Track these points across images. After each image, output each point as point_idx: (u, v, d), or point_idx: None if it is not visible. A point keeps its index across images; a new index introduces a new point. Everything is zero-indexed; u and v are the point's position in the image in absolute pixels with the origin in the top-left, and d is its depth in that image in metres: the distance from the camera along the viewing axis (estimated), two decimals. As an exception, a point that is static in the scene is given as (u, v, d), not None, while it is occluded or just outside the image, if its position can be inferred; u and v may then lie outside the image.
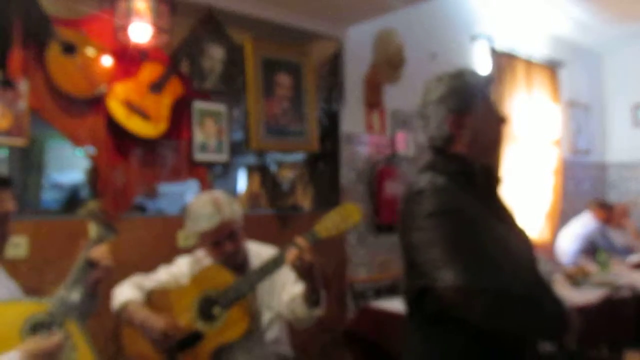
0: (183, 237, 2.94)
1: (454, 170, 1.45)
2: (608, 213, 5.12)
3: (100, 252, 1.72)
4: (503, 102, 4.95)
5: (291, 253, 1.89)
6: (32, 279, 2.43)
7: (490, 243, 1.38)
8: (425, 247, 1.36)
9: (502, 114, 1.55)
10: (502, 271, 1.35)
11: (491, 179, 1.54)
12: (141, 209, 3.37)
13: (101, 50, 2.66)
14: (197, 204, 2.07)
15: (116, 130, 2.71)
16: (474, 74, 1.56)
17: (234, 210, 2.08)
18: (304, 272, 1.91)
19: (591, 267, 3.71)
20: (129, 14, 2.61)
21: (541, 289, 1.47)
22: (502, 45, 5.12)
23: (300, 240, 1.91)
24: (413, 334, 1.53)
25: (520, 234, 1.54)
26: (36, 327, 1.56)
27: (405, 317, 1.58)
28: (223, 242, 2.04)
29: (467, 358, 1.41)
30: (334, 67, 3.75)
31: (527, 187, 5.14)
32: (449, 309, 1.35)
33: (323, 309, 2.05)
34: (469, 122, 1.48)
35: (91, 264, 1.69)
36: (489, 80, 1.57)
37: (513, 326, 1.36)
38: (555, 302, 1.44)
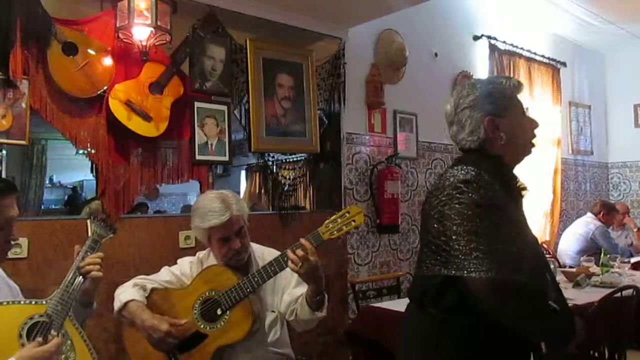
0: (184, 237, 2.93)
1: (493, 170, 1.48)
2: (610, 213, 5.11)
3: (90, 263, 1.70)
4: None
5: (296, 254, 1.90)
6: (33, 279, 2.44)
7: (523, 244, 1.41)
8: (467, 235, 1.36)
9: (533, 119, 1.62)
10: (530, 272, 1.38)
11: (518, 185, 1.59)
12: (144, 205, 3.36)
13: (102, 50, 2.65)
14: (205, 200, 2.06)
15: (117, 131, 2.71)
16: (507, 79, 1.61)
17: (242, 207, 2.09)
18: (308, 273, 1.92)
19: (593, 267, 3.70)
20: (130, 14, 2.60)
21: (558, 295, 1.51)
22: (504, 45, 5.11)
23: (305, 242, 1.92)
24: (420, 327, 1.54)
25: (535, 240, 1.59)
26: (34, 329, 1.55)
27: (409, 311, 1.59)
28: (232, 238, 2.04)
29: (482, 348, 1.43)
30: (335, 68, 3.75)
31: (529, 187, 5.13)
32: (477, 301, 1.37)
33: (325, 312, 2.05)
34: (504, 125, 1.53)
35: (82, 275, 1.68)
36: (521, 86, 1.62)
37: (533, 326, 1.41)
38: (568, 307, 1.51)
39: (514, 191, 1.57)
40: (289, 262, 1.92)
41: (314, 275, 1.93)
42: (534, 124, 1.61)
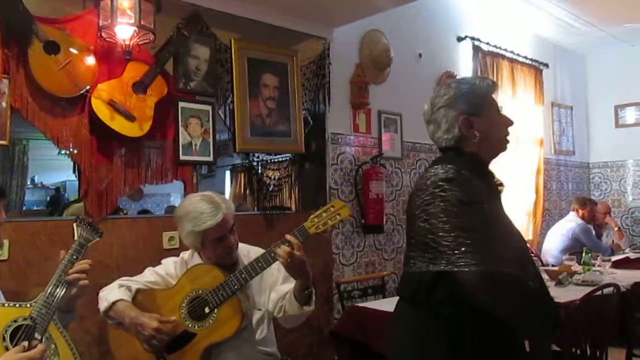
0: (168, 238, 2.91)
1: (469, 167, 1.51)
2: (591, 211, 5.18)
3: (77, 272, 1.69)
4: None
5: (282, 250, 1.91)
6: (14, 281, 2.40)
7: (507, 238, 1.46)
8: (454, 232, 1.39)
9: (507, 117, 1.66)
10: (515, 265, 1.42)
11: (495, 182, 1.63)
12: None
13: (85, 50, 2.62)
14: (192, 204, 2.04)
15: (100, 131, 2.68)
16: (482, 78, 1.67)
17: (229, 205, 2.11)
18: (295, 268, 1.94)
19: (575, 266, 3.74)
20: (113, 13, 2.57)
21: (543, 286, 1.54)
22: (487, 46, 5.16)
23: (290, 238, 1.95)
24: (412, 323, 1.56)
25: (518, 235, 1.63)
26: (18, 332, 1.54)
27: (400, 309, 1.61)
28: (227, 237, 2.05)
29: (476, 340, 1.45)
30: (320, 68, 3.75)
31: (512, 186, 5.18)
32: (468, 294, 1.40)
33: (313, 305, 2.06)
34: (478, 123, 1.57)
35: (68, 282, 1.67)
36: (495, 85, 1.67)
37: (523, 317, 1.43)
38: (551, 298, 1.53)
39: (492, 187, 1.61)
40: (277, 257, 1.94)
41: (301, 269, 1.96)
42: (508, 122, 1.65)
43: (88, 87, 2.62)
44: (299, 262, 1.93)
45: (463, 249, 1.36)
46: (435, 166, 1.50)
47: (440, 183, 1.44)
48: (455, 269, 1.37)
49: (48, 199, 5.94)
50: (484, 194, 1.46)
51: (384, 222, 4.10)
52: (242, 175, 4.34)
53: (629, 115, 6.56)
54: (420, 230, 1.46)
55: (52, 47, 2.52)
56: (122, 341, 2.04)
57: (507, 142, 1.64)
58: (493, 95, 1.65)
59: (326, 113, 3.79)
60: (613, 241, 5.52)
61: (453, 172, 1.45)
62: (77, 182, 2.81)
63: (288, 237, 1.96)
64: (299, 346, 3.40)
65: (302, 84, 3.65)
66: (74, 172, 2.78)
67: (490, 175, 1.63)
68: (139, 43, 2.70)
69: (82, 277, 1.69)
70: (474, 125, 1.57)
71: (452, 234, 1.38)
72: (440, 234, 1.40)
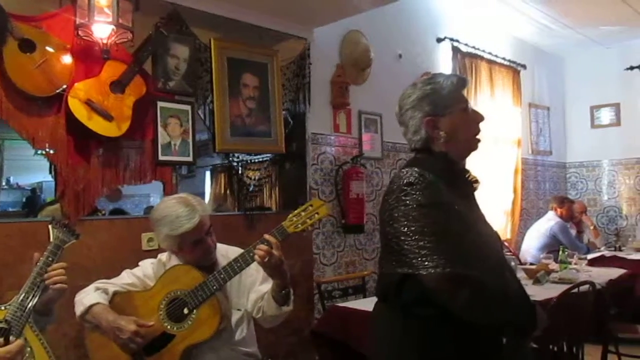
0: (147, 239, 2.88)
1: (439, 168, 1.52)
2: (569, 209, 5.27)
3: (54, 275, 1.66)
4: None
5: (260, 249, 1.91)
6: (-11, 284, 2.36)
7: (474, 238, 1.46)
8: (414, 235, 1.41)
9: (477, 113, 1.63)
10: (483, 265, 1.43)
11: (468, 179, 1.63)
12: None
13: (61, 48, 2.58)
14: (168, 208, 2.03)
15: (77, 131, 2.64)
16: (447, 77, 1.62)
17: (205, 206, 2.10)
18: (273, 268, 1.94)
19: (552, 264, 3.80)
20: (90, 11, 2.54)
21: (515, 285, 1.55)
22: (466, 47, 5.21)
23: (269, 237, 1.95)
24: (387, 324, 1.58)
25: (492, 234, 1.63)
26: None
27: (376, 309, 1.62)
28: (204, 239, 2.04)
29: (447, 340, 1.46)
30: (300, 68, 3.75)
31: (490, 186, 5.24)
32: (433, 296, 1.42)
33: (292, 305, 2.07)
34: (443, 124, 1.56)
35: (45, 286, 1.64)
36: (462, 82, 1.63)
37: (490, 318, 1.44)
38: (527, 298, 1.53)
39: (464, 186, 1.61)
40: (255, 257, 1.93)
41: (279, 269, 1.96)
42: (477, 119, 1.62)
43: (65, 86, 2.58)
44: (277, 262, 1.93)
45: (423, 252, 1.39)
46: (403, 170, 1.52)
47: (403, 187, 1.46)
48: (417, 272, 1.40)
49: (24, 200, 5.84)
50: (448, 196, 1.47)
51: (365, 222, 4.11)
52: (223, 175, 4.31)
53: (604, 116, 6.68)
54: (387, 234, 1.49)
55: (27, 46, 2.47)
56: (100, 344, 2.01)
57: (478, 140, 1.62)
58: (461, 92, 1.62)
59: (306, 113, 3.79)
60: (589, 240, 5.61)
61: (415, 176, 1.46)
62: (53, 183, 2.77)
63: (267, 236, 1.96)
64: (279, 346, 3.39)
65: (283, 84, 3.64)
66: (51, 172, 2.74)
67: (463, 173, 1.63)
68: (117, 42, 2.66)
69: (59, 279, 1.66)
70: (439, 126, 1.56)
71: (413, 238, 1.41)
72: (402, 237, 1.43)
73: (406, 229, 1.42)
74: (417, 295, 1.45)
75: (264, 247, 1.92)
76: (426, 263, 1.38)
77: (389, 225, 1.48)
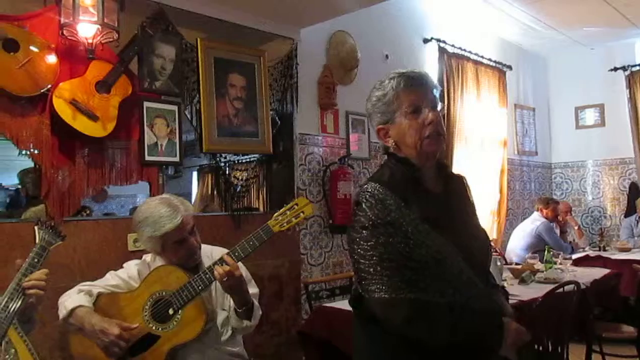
0: (133, 240, 2.86)
1: (400, 175, 1.49)
2: (554, 210, 5.32)
3: (34, 280, 1.64)
4: (453, 104, 5.07)
5: (219, 270, 1.93)
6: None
7: (424, 254, 1.39)
8: (358, 257, 1.43)
9: (423, 115, 1.48)
10: (433, 284, 1.39)
11: (440, 179, 1.57)
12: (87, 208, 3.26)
13: (45, 48, 2.55)
14: (150, 209, 2.02)
15: (62, 131, 2.61)
16: (390, 79, 1.54)
17: (188, 206, 2.10)
18: (232, 288, 1.97)
19: (537, 264, 3.83)
20: (75, 10, 2.51)
21: (484, 300, 1.46)
22: (452, 48, 5.24)
23: (227, 258, 1.97)
24: (359, 334, 1.58)
25: (473, 234, 1.56)
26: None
27: (353, 318, 1.62)
28: (187, 239, 2.04)
29: (407, 356, 1.45)
30: (287, 68, 3.74)
31: (476, 186, 5.28)
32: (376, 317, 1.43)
33: (256, 321, 2.09)
34: (392, 131, 1.53)
35: (24, 292, 1.62)
36: (406, 81, 1.52)
37: (436, 340, 1.39)
38: (492, 315, 1.46)
39: (447, 184, 1.57)
40: (215, 275, 1.94)
41: (238, 289, 1.99)
42: (428, 118, 1.48)
43: (49, 86, 2.55)
44: (235, 282, 1.95)
45: (369, 276, 1.40)
46: (363, 186, 1.49)
47: (354, 207, 1.47)
48: (365, 295, 1.42)
49: (7, 200, 5.77)
50: (397, 211, 1.40)
51: (352, 222, 4.11)
52: (210, 176, 4.30)
53: (589, 117, 6.75)
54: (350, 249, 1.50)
55: (10, 45, 2.45)
56: (85, 346, 1.98)
57: (429, 141, 1.48)
58: (408, 93, 1.50)
59: (294, 113, 3.79)
60: (573, 240, 5.67)
61: (363, 194, 1.45)
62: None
63: (225, 257, 1.97)
64: (266, 346, 3.39)
65: (270, 84, 3.63)
66: (23, 174, 2.71)
67: (443, 169, 1.59)
68: (102, 41, 2.64)
69: (37, 284, 1.65)
70: (389, 134, 1.53)
71: (361, 260, 1.42)
72: (355, 257, 1.45)
73: (358, 248, 1.43)
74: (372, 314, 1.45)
75: (222, 268, 1.93)
76: (370, 287, 1.39)
77: (349, 242, 1.49)
